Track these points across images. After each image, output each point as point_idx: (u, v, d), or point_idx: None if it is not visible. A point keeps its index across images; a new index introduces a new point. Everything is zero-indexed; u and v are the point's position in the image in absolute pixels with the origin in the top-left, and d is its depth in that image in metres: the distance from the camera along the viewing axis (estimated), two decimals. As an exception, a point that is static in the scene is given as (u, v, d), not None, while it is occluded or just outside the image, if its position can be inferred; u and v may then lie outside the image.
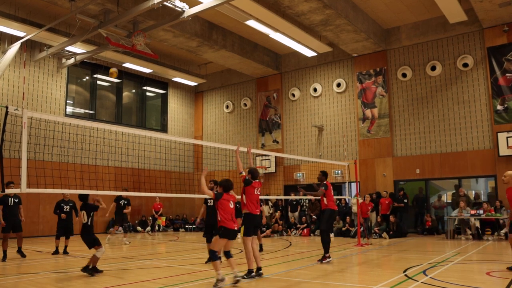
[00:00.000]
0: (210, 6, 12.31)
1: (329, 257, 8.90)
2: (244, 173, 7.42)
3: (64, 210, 11.30)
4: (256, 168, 7.78)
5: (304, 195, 10.54)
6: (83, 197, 7.97)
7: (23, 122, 5.89)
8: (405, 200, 15.50)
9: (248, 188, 7.26)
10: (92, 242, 7.82)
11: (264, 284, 6.62)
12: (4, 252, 9.88)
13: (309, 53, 17.53)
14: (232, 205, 6.63)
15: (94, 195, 8.27)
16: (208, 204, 9.19)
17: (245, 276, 6.89)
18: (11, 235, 10.10)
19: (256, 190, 7.30)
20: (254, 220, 7.23)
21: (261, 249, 10.46)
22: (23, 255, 10.21)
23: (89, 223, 7.90)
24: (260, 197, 7.56)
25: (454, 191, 15.35)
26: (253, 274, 7.07)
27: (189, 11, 12.76)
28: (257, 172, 7.49)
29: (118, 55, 17.08)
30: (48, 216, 16.73)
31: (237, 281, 6.44)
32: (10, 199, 10.10)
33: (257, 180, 7.43)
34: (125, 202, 14.16)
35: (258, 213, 7.31)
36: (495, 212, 13.37)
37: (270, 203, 17.95)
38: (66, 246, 11.16)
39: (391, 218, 14.83)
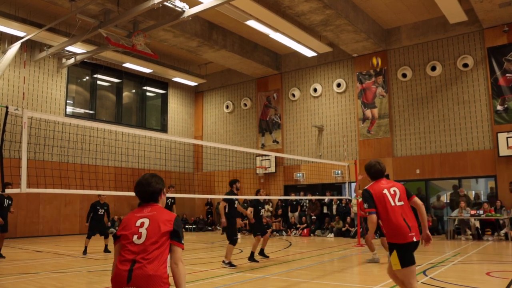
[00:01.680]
0: (210, 6, 12.31)
1: None
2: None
3: (99, 212, 11.30)
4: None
5: None
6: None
7: (23, 122, 5.89)
8: None
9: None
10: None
11: (264, 284, 6.62)
12: None
13: (309, 53, 17.53)
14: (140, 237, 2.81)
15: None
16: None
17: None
18: None
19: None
20: None
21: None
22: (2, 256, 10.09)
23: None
24: (261, 197, 7.58)
25: (452, 191, 15.36)
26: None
27: (189, 11, 12.76)
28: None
29: (118, 55, 17.08)
30: (48, 216, 16.74)
31: None
32: (5, 200, 10.05)
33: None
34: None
35: None
36: (495, 213, 13.37)
37: (271, 203, 17.97)
38: (106, 245, 11.26)
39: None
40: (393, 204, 4.39)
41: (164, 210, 2.98)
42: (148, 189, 3.01)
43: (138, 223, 2.85)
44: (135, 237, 2.79)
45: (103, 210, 11.35)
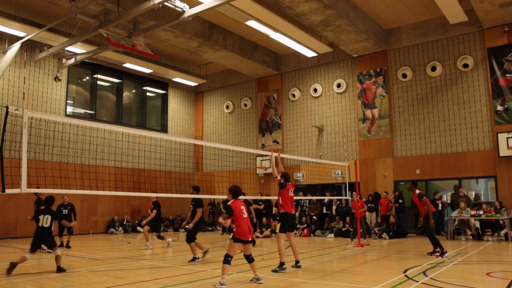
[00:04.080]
0: (211, 6, 12.31)
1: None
2: (279, 177, 8.22)
3: (63, 213, 11.87)
4: (287, 172, 8.58)
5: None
6: (49, 202, 8.09)
7: (23, 122, 5.89)
8: (400, 200, 15.58)
9: (283, 190, 8.17)
10: (54, 243, 8.07)
11: (264, 284, 6.62)
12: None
13: (310, 54, 17.53)
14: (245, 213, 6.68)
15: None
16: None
17: (277, 269, 7.70)
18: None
19: (290, 192, 8.24)
20: (289, 219, 8.20)
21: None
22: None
23: (52, 228, 8.06)
24: (261, 197, 7.89)
25: (453, 192, 15.36)
26: (284, 266, 7.75)
27: (190, 11, 12.76)
28: (289, 175, 8.38)
29: (119, 55, 17.08)
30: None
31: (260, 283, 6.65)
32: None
33: (290, 183, 8.35)
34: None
35: (293, 212, 8.30)
36: (495, 213, 13.36)
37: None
38: (68, 241, 12.20)
39: (391, 219, 14.83)
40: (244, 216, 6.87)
41: (242, 201, 6.80)
42: (240, 194, 6.86)
43: (241, 208, 6.62)
44: (243, 214, 6.57)
45: (66, 210, 12.04)
